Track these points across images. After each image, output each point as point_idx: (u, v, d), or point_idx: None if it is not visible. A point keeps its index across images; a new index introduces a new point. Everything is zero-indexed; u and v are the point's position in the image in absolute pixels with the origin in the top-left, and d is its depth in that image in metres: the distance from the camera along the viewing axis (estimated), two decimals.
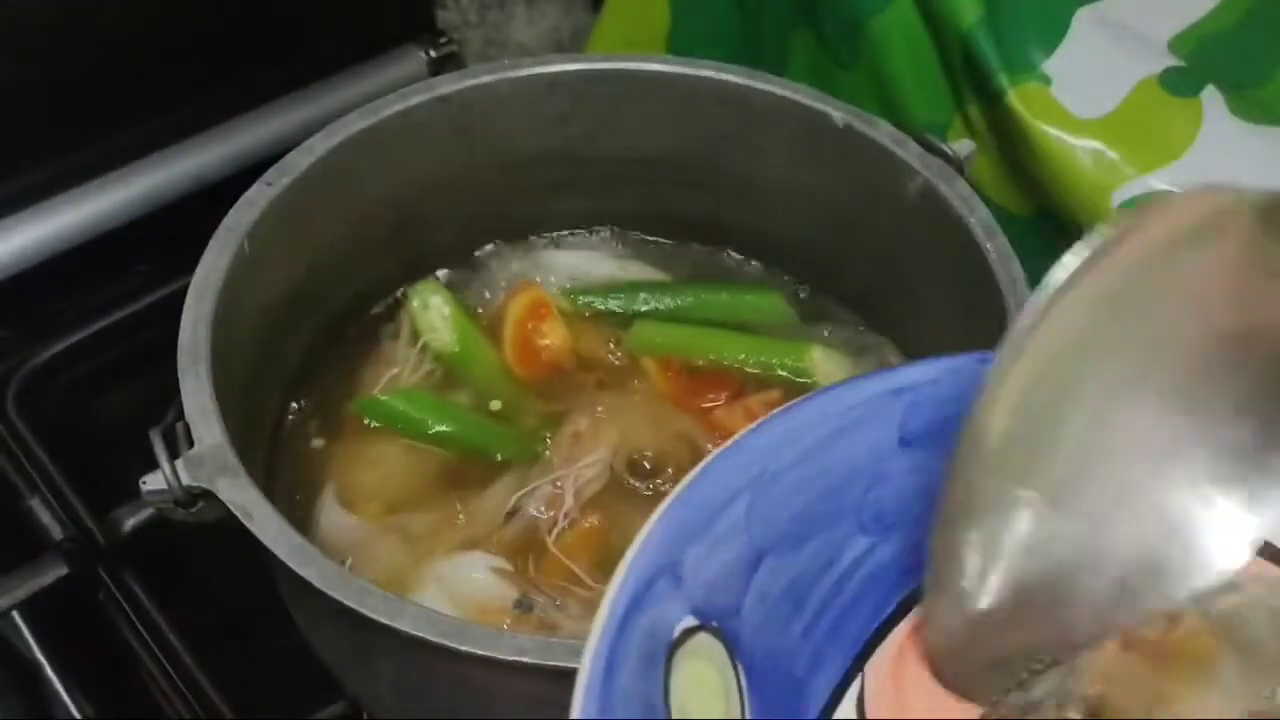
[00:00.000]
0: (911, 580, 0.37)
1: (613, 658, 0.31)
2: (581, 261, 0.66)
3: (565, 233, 0.67)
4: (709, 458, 0.35)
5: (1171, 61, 0.60)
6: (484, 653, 0.41)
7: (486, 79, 0.59)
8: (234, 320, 0.51)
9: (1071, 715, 0.33)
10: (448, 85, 0.59)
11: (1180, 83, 0.59)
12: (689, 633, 0.33)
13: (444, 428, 0.58)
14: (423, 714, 0.50)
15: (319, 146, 0.56)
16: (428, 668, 0.45)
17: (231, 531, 0.45)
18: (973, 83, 0.62)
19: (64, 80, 0.68)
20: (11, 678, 0.58)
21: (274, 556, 0.43)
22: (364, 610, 0.42)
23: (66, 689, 0.58)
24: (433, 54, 0.79)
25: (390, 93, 0.58)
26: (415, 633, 0.41)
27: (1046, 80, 0.59)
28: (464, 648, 0.41)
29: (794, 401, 0.38)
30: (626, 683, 0.31)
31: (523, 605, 0.51)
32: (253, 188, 0.54)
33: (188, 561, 0.63)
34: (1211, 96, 0.59)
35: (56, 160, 0.70)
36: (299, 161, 0.55)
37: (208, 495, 0.45)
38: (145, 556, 0.62)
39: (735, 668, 0.34)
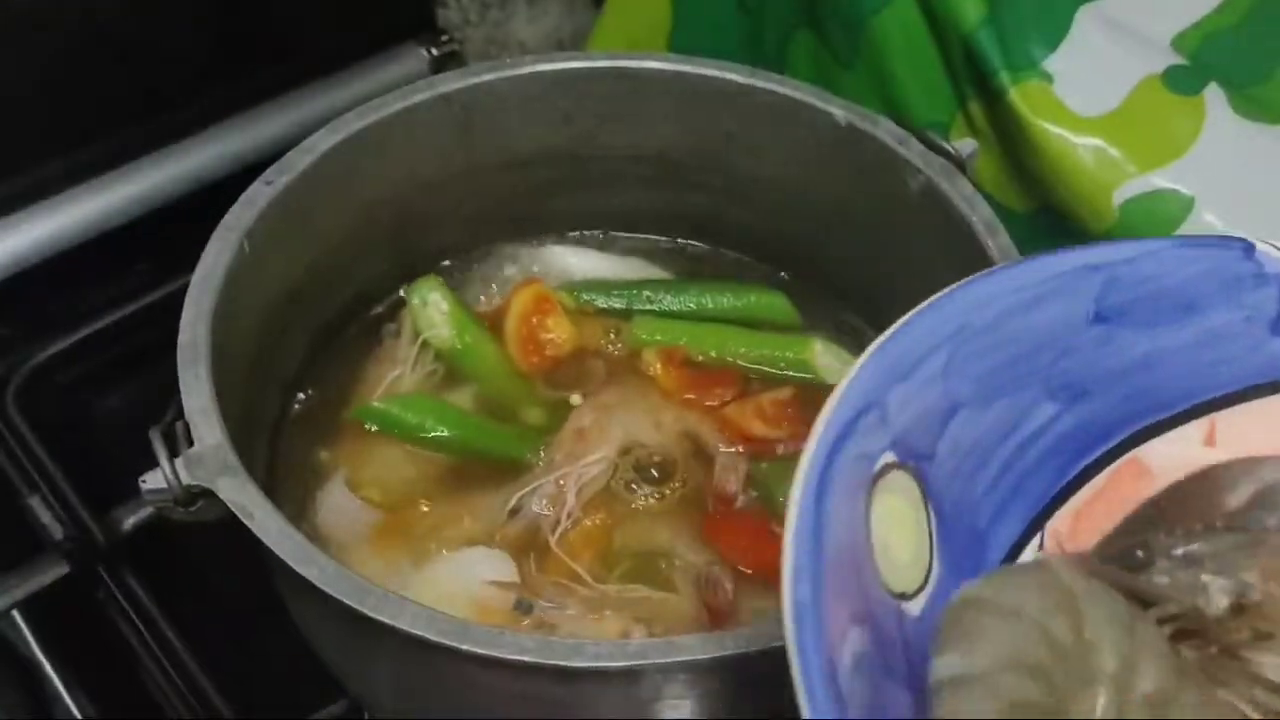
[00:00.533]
0: (1093, 450, 0.39)
1: (824, 480, 0.32)
2: (584, 259, 0.66)
3: (567, 231, 0.67)
4: (914, 310, 0.37)
5: (1174, 59, 0.60)
6: (485, 652, 0.41)
7: (488, 77, 0.59)
8: (234, 319, 0.51)
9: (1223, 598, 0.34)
10: (449, 84, 0.59)
11: (1183, 81, 0.59)
12: (889, 468, 0.34)
13: (442, 431, 0.58)
14: (423, 714, 0.49)
15: (319, 145, 0.56)
16: (428, 667, 0.45)
17: (232, 530, 0.45)
18: (974, 81, 0.62)
19: (64, 79, 0.68)
20: (11, 677, 0.58)
21: (274, 555, 0.43)
22: (364, 609, 0.42)
23: (66, 688, 0.58)
24: (434, 52, 0.79)
25: (391, 91, 0.58)
26: (415, 632, 0.41)
27: (1048, 78, 0.59)
28: (465, 647, 0.41)
29: (997, 267, 0.39)
30: (835, 505, 0.32)
31: (521, 606, 0.51)
32: (252, 186, 0.54)
33: (188, 561, 0.63)
34: (1214, 94, 0.59)
35: (56, 159, 0.70)
36: (299, 160, 0.55)
37: (208, 494, 0.45)
38: (145, 555, 0.62)
39: (927, 508, 0.35)
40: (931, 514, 0.36)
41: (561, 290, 0.64)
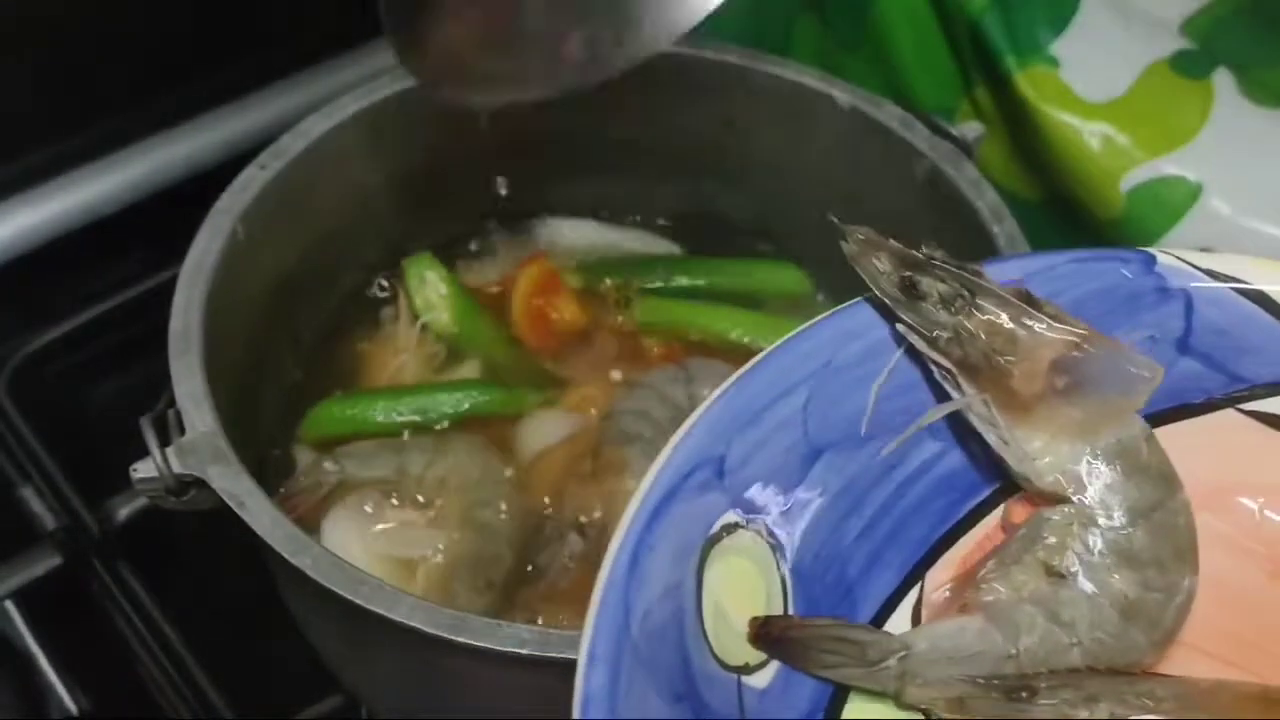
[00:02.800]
0: (982, 489, 0.35)
1: (639, 550, 0.30)
2: (586, 231, 0.66)
3: (566, 216, 0.67)
4: (766, 350, 0.34)
5: (1182, 44, 0.59)
6: (480, 644, 0.40)
7: None
8: (227, 305, 0.51)
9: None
10: None
11: (1191, 65, 0.59)
12: (730, 528, 0.32)
13: (397, 416, 0.57)
14: (419, 706, 0.49)
15: (313, 129, 0.55)
16: (423, 659, 0.44)
17: (226, 521, 0.44)
18: (981, 66, 0.61)
19: (56, 65, 0.67)
20: (4, 667, 0.58)
21: (267, 546, 0.43)
22: (358, 600, 0.41)
23: (59, 679, 0.57)
24: None
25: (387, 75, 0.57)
26: (410, 623, 0.41)
27: (1055, 63, 0.59)
28: (460, 639, 0.40)
29: (857, 299, 0.36)
30: (653, 576, 0.30)
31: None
32: (245, 170, 0.53)
33: (182, 551, 0.63)
34: (1223, 79, 0.58)
35: (49, 146, 0.69)
36: (293, 144, 0.55)
37: (200, 483, 0.45)
38: (139, 546, 0.61)
39: (779, 567, 0.33)
40: (786, 573, 0.33)
41: (566, 267, 0.63)
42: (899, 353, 0.35)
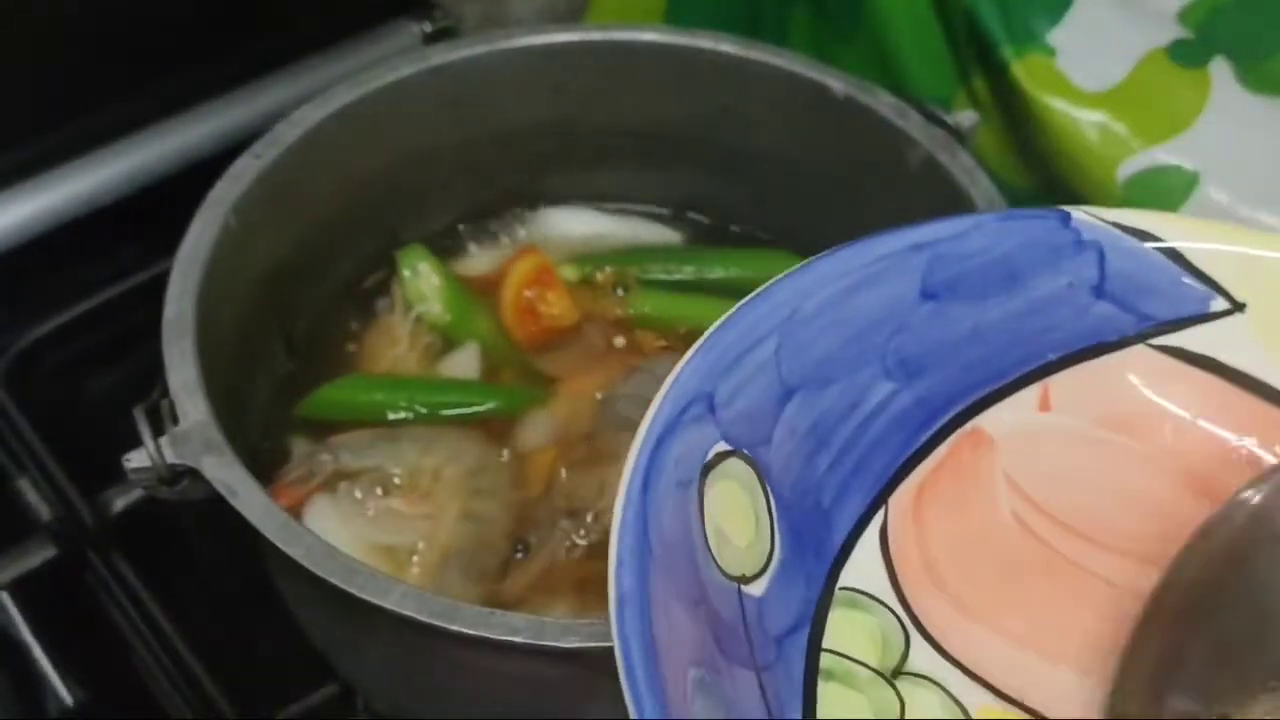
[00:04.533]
0: (933, 423, 0.40)
1: (650, 473, 0.33)
2: (582, 221, 0.66)
3: (563, 206, 0.66)
4: (739, 303, 0.38)
5: (1179, 33, 0.59)
6: (474, 632, 0.40)
7: (478, 50, 0.58)
8: (221, 295, 0.51)
9: None
10: (439, 56, 0.58)
11: (1188, 54, 0.58)
12: (722, 456, 0.36)
13: (397, 406, 0.57)
14: (414, 695, 0.49)
15: (307, 118, 0.55)
16: (417, 648, 0.44)
17: (220, 511, 0.44)
18: (977, 55, 0.61)
19: (47, 54, 0.67)
20: (0, 659, 0.58)
21: (260, 535, 0.43)
22: (351, 589, 0.41)
23: (55, 670, 0.57)
24: (428, 28, 0.78)
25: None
26: (403, 612, 0.40)
27: (1051, 52, 0.59)
28: (454, 627, 0.40)
29: (818, 255, 0.40)
30: (663, 495, 0.33)
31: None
32: (239, 160, 0.53)
33: (178, 542, 0.63)
34: (1220, 68, 0.58)
35: (42, 137, 0.69)
36: (287, 133, 0.54)
37: (193, 473, 0.45)
38: (135, 538, 0.61)
39: (765, 492, 0.36)
40: (771, 497, 0.37)
41: (561, 258, 0.63)
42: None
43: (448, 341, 0.60)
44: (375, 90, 0.57)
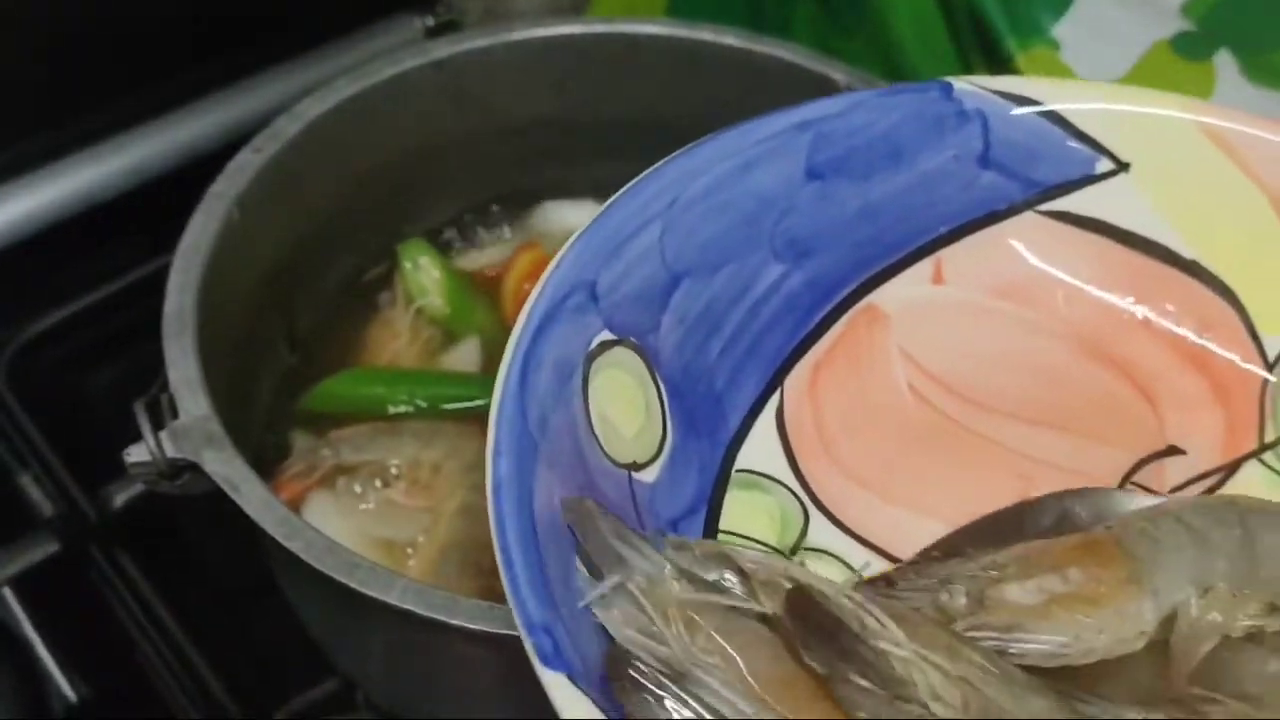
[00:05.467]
0: (826, 303, 0.40)
1: (528, 364, 0.33)
2: (583, 214, 0.65)
3: (565, 199, 0.66)
4: (618, 192, 0.38)
5: (1183, 25, 0.59)
6: (474, 626, 0.40)
7: (480, 43, 0.58)
8: (222, 288, 0.51)
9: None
10: (440, 50, 0.58)
11: (1192, 47, 0.58)
12: (606, 345, 0.35)
13: (399, 400, 0.57)
14: (414, 689, 0.49)
15: (308, 112, 0.55)
16: (417, 642, 0.44)
17: (222, 506, 0.44)
18: (981, 48, 0.61)
19: (49, 52, 0.67)
20: (3, 654, 0.58)
21: (261, 529, 0.42)
22: (352, 583, 0.41)
23: (58, 666, 0.57)
24: (431, 23, 0.77)
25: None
26: (404, 606, 0.40)
27: (1055, 45, 0.59)
28: (454, 621, 0.40)
29: (698, 141, 0.40)
30: (543, 387, 0.33)
31: None
32: (240, 154, 0.53)
33: (180, 537, 0.63)
34: (1225, 61, 0.58)
35: (44, 132, 0.69)
36: (288, 127, 0.54)
37: (193, 467, 0.45)
38: (137, 533, 0.61)
39: (655, 379, 0.36)
40: (661, 384, 0.37)
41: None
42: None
43: (449, 335, 0.60)
44: (377, 84, 0.57)
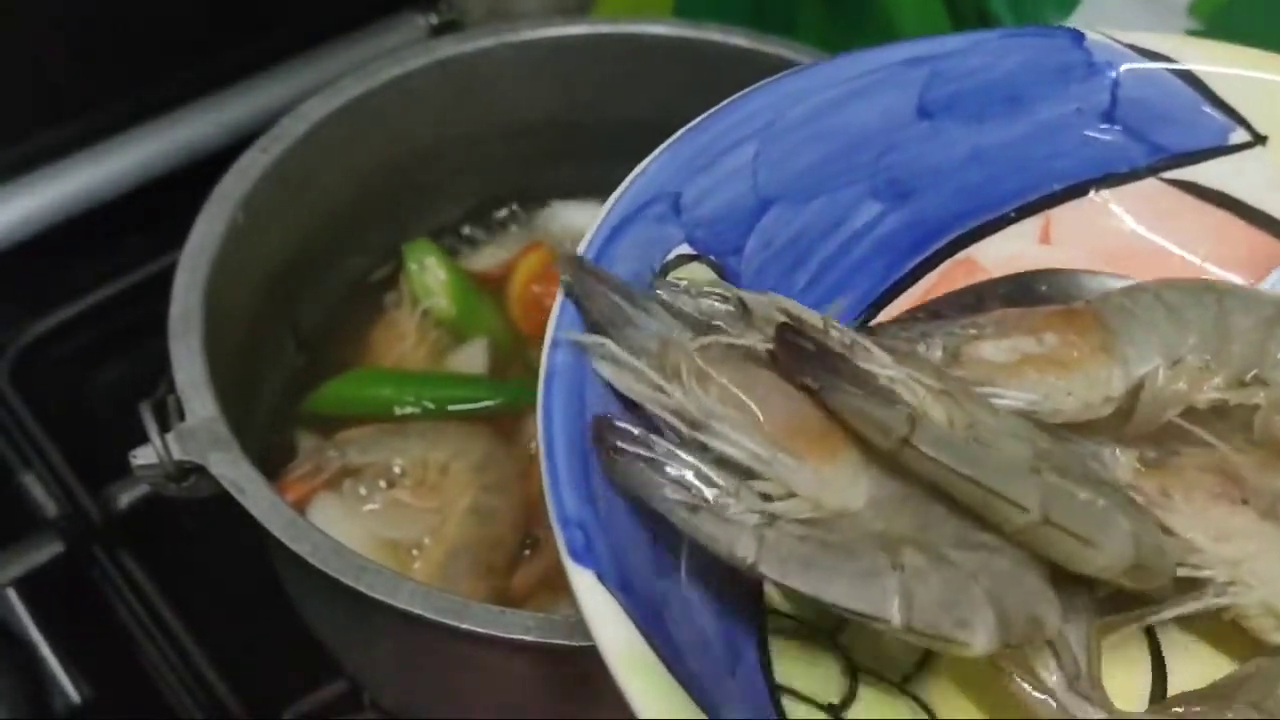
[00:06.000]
0: (923, 249, 0.38)
1: (600, 261, 0.31)
2: (589, 215, 0.65)
3: (571, 200, 0.66)
4: (716, 106, 0.35)
5: (1191, 25, 0.59)
6: (484, 630, 0.40)
7: (486, 43, 0.58)
8: (228, 289, 0.50)
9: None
10: (446, 50, 0.58)
11: None
12: (684, 259, 0.34)
13: (406, 401, 0.57)
14: (421, 692, 0.49)
15: (314, 112, 0.55)
16: (425, 645, 0.44)
17: (227, 507, 0.44)
18: None
19: (54, 51, 0.66)
20: (7, 655, 0.57)
21: (267, 532, 0.42)
22: (360, 587, 0.41)
23: (61, 666, 0.57)
24: (434, 21, 0.77)
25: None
26: (413, 609, 0.40)
27: None
28: (463, 625, 0.40)
29: (805, 64, 0.37)
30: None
31: None
32: (246, 154, 0.53)
33: (184, 538, 0.62)
34: None
35: (48, 131, 0.68)
36: (294, 127, 0.54)
37: (199, 469, 0.44)
38: (141, 533, 0.61)
39: None
40: None
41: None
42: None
43: (455, 336, 0.60)
44: (382, 84, 0.56)
